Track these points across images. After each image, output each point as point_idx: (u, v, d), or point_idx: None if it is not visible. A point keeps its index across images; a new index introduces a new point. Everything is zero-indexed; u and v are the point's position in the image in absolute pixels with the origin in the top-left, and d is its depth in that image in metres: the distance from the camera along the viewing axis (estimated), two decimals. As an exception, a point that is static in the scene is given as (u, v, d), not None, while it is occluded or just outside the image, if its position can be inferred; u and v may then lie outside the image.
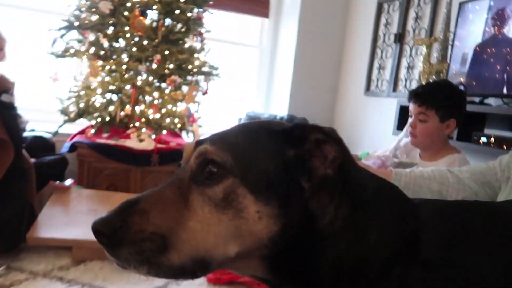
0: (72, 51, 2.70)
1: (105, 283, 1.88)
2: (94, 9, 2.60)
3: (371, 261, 0.58)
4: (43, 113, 3.20)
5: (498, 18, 2.28)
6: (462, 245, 0.61)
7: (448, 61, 2.59)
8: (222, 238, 0.54)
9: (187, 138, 3.15)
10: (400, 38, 3.17)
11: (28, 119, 2.33)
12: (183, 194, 0.57)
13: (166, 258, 0.53)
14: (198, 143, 0.61)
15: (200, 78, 3.05)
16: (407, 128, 1.75)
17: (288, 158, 0.57)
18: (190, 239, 0.54)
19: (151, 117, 2.78)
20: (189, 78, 2.96)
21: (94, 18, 2.64)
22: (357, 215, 0.59)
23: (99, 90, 2.71)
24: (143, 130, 2.75)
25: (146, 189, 2.45)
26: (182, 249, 0.53)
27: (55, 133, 2.82)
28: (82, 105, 2.75)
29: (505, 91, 2.21)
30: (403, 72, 3.16)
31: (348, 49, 3.80)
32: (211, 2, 3.03)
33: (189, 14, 2.86)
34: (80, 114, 2.77)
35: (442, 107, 1.62)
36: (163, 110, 2.86)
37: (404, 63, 3.15)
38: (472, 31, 2.42)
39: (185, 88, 2.98)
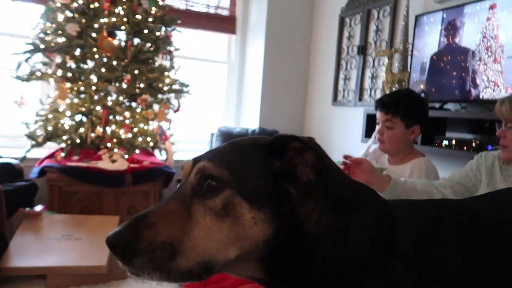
0: (38, 74, 2.65)
1: (83, 310, 1.84)
2: (60, 32, 2.57)
3: (355, 258, 0.63)
4: (9, 139, 3.10)
5: (451, 28, 2.45)
6: (433, 239, 0.67)
7: (409, 70, 2.74)
8: (223, 243, 0.61)
9: (160, 157, 3.13)
10: (363, 50, 3.32)
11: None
12: (186, 207, 0.63)
13: (176, 263, 0.59)
14: (196, 160, 0.68)
15: (171, 96, 3.06)
16: (375, 135, 1.84)
17: (275, 168, 0.64)
18: (195, 246, 0.60)
19: (123, 137, 2.76)
20: (160, 96, 2.96)
21: (61, 40, 2.60)
22: (340, 218, 0.65)
23: (68, 113, 2.67)
24: (115, 150, 2.72)
25: (120, 210, 2.44)
26: (189, 255, 0.59)
27: (23, 159, 2.74)
28: (50, 128, 2.68)
29: (461, 96, 2.36)
30: (367, 82, 3.30)
31: (314, 62, 3.93)
32: (179, 21, 3.06)
33: (157, 33, 2.88)
34: (48, 137, 2.71)
35: (407, 114, 1.72)
36: (135, 130, 2.84)
37: (368, 73, 3.30)
38: (429, 41, 2.59)
39: (156, 107, 2.98)
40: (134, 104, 2.87)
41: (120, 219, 2.52)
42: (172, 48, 3.04)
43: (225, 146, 0.69)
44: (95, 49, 2.60)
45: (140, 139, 2.85)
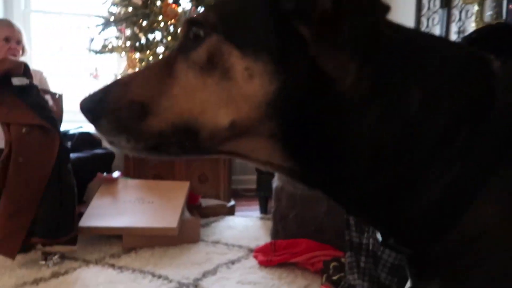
0: (110, 47, 2.76)
1: (155, 269, 1.88)
2: (127, 2, 2.64)
3: (421, 133, 0.45)
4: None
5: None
6: None
7: (504, 18, 2.36)
8: (211, 103, 0.49)
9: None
10: (447, 2, 2.94)
11: (62, 92, 2.17)
12: (169, 65, 0.53)
13: (146, 124, 0.51)
14: None
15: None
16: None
17: (283, 3, 0.48)
18: (172, 106, 0.51)
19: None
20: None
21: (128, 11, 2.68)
22: (393, 72, 0.47)
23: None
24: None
25: (191, 177, 2.39)
26: (163, 115, 0.51)
27: (101, 129, 2.89)
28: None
29: None
30: (453, 39, 2.93)
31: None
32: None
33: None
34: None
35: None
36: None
37: (454, 28, 2.92)
38: (532, -21, 2.18)
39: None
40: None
41: (191, 185, 2.55)
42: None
43: None
44: (160, 18, 2.62)
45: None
